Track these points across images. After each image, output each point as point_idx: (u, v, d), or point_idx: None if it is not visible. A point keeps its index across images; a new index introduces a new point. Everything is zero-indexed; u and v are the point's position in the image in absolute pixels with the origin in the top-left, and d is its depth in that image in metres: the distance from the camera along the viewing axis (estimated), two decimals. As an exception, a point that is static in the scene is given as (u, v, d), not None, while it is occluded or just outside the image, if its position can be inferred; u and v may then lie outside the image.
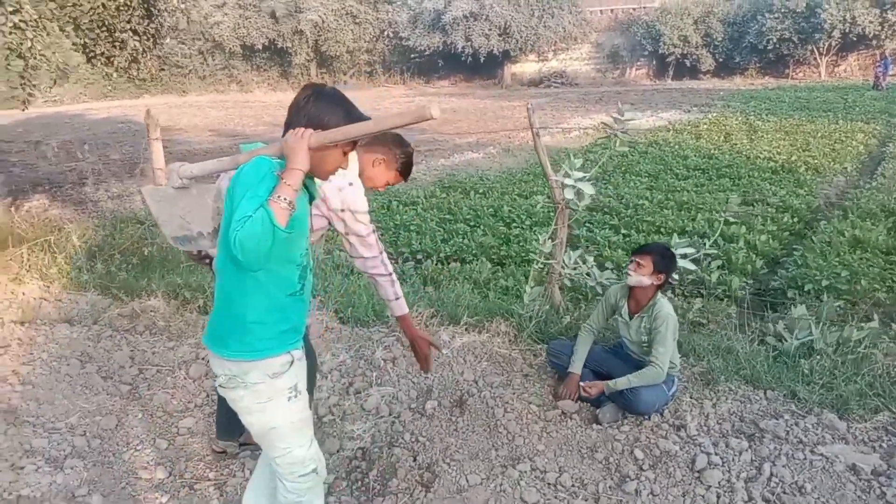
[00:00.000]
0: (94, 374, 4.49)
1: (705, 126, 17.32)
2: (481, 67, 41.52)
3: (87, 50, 7.27)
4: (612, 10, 43.99)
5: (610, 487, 3.34)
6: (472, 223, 8.43)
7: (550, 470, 3.43)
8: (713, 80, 38.82)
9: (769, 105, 22.15)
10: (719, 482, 3.32)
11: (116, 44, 7.33)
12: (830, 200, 9.64)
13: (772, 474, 3.34)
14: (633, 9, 42.58)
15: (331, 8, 40.38)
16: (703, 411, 3.90)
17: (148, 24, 7.72)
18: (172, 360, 4.69)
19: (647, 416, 3.85)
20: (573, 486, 3.34)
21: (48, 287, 5.98)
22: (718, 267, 6.36)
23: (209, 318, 2.30)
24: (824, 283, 5.69)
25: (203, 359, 4.61)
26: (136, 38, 7.48)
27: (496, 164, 13.64)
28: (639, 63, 43.03)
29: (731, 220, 7.65)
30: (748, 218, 8.21)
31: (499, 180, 11.24)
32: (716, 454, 3.51)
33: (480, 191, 10.41)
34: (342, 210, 3.02)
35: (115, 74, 8.58)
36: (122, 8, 7.44)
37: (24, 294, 5.80)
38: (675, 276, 4.38)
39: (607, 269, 6.06)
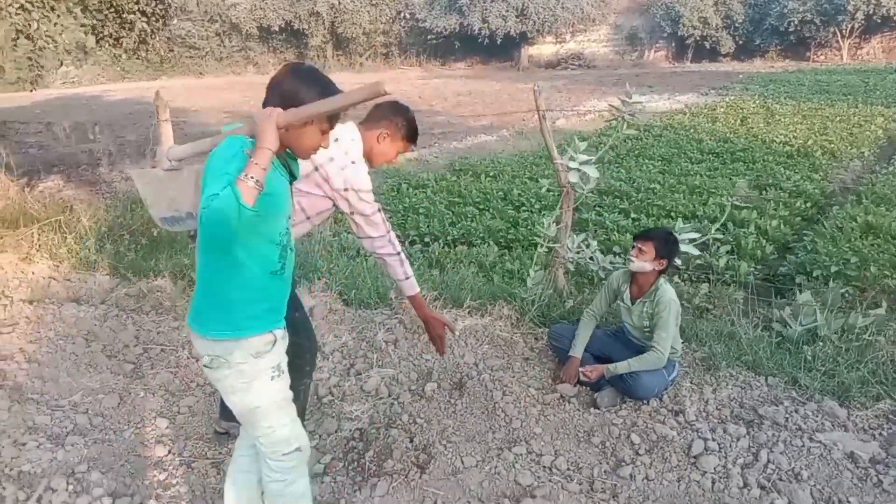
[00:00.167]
0: (99, 352, 4.54)
1: (722, 109, 17.11)
2: (498, 49, 41.18)
3: (96, 31, 7.28)
4: (631, -9, 43.47)
5: (605, 472, 3.34)
6: (481, 206, 8.40)
7: (546, 453, 3.44)
8: (733, 62, 38.27)
9: (788, 88, 21.82)
10: (715, 468, 3.31)
11: (125, 25, 7.33)
12: (845, 185, 9.52)
13: (768, 461, 3.34)
14: (653, -10, 42.05)
15: (347, -11, 40.21)
16: (703, 397, 3.89)
17: (156, 6, 7.72)
18: (177, 340, 4.73)
19: (645, 401, 3.84)
20: (568, 469, 3.35)
21: (58, 266, 6.04)
22: (727, 252, 6.31)
23: (192, 300, 2.31)
24: (833, 269, 5.62)
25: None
26: (144, 19, 7.48)
27: (509, 147, 13.57)
28: (657, 45, 42.53)
29: (743, 205, 7.58)
30: (760, 203, 8.12)
31: (510, 163, 11.18)
32: (713, 440, 3.50)
33: (491, 174, 10.36)
34: (345, 189, 3.01)
35: (123, 56, 8.59)
36: (129, -12, 7.46)
37: (33, 273, 5.87)
38: (678, 261, 4.34)
39: (615, 253, 6.05)
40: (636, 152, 11.86)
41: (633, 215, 7.84)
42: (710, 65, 37.64)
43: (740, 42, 39.18)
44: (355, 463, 3.42)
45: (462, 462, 3.36)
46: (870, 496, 3.12)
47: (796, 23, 36.07)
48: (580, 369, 3.94)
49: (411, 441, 3.51)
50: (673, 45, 41.67)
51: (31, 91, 7.32)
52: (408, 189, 9.39)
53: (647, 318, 3.94)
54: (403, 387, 4.03)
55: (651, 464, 3.36)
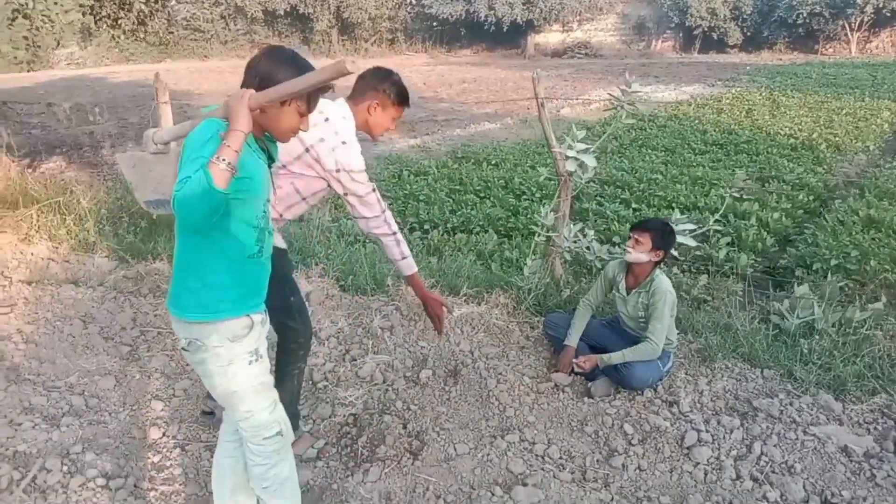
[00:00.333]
0: (96, 334, 4.54)
1: (728, 101, 17.05)
2: (504, 37, 41.00)
3: (94, 12, 7.25)
4: (639, -19, 43.20)
5: (597, 461, 3.34)
6: (481, 194, 8.39)
7: (539, 442, 3.44)
8: (740, 54, 38.11)
9: (795, 81, 21.73)
10: (708, 459, 3.32)
11: (123, 6, 7.30)
12: (849, 179, 9.48)
13: (762, 453, 3.34)
14: (661, -21, 41.78)
15: (354, -26, 40.03)
16: (698, 388, 3.88)
17: (155, -14, 7.71)
18: (173, 323, 4.72)
19: (640, 392, 3.84)
20: (560, 458, 3.35)
21: (57, 248, 6.04)
22: (728, 244, 6.30)
23: (170, 285, 2.31)
24: (833, 262, 5.61)
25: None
26: (143, 0, 7.45)
27: (512, 135, 13.53)
28: (665, 35, 42.33)
29: (745, 197, 7.56)
30: (762, 195, 8.09)
31: (512, 152, 11.15)
32: (706, 431, 3.50)
33: (493, 162, 10.34)
34: (337, 170, 2.98)
35: (122, 36, 8.55)
36: (128, -31, 7.41)
37: (32, 254, 5.87)
38: (675, 252, 4.32)
39: (615, 243, 6.03)
40: (639, 142, 11.83)
41: (633, 205, 7.83)
42: (717, 56, 37.47)
43: (748, 33, 38.99)
44: (348, 448, 3.43)
45: (455, 449, 3.36)
46: (863, 490, 3.12)
47: (805, 15, 35.88)
48: (574, 360, 3.94)
49: (404, 427, 3.52)
50: (680, 35, 41.47)
51: (28, 71, 7.28)
52: (409, 176, 9.37)
53: (642, 308, 3.93)
54: (398, 373, 4.03)
55: (644, 454, 3.36)
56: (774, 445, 3.38)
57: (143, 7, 7.51)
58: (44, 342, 4.41)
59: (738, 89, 19.78)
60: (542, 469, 3.25)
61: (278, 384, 3.28)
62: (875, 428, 3.53)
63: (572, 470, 3.27)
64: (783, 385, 3.89)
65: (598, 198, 8.20)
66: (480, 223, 7.14)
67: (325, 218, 6.78)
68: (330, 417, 3.65)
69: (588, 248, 4.80)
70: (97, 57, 38.18)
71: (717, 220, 5.05)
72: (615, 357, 3.83)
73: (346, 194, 3.07)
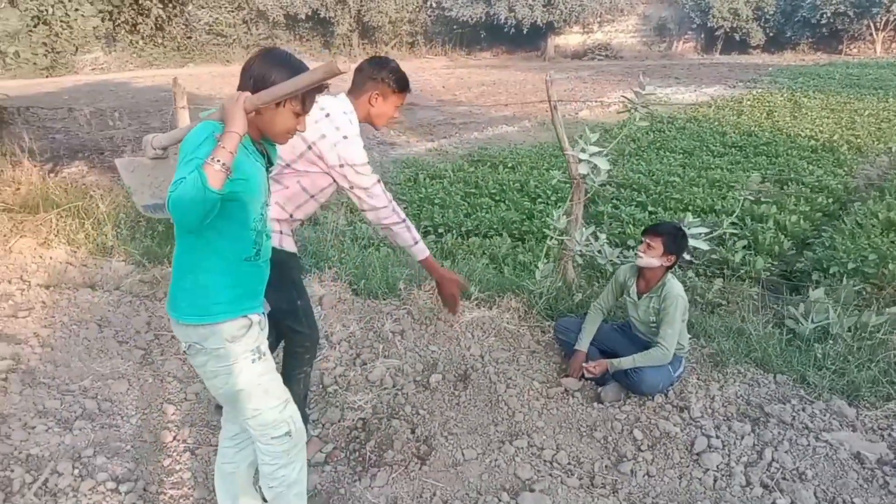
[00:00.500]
0: (111, 338, 4.59)
1: (748, 102, 16.89)
2: (524, 39, 40.91)
3: (112, 17, 7.34)
4: (660, -18, 42.93)
5: (606, 467, 3.33)
6: (496, 198, 8.38)
7: (547, 447, 3.43)
8: (763, 54, 37.71)
9: (818, 82, 21.47)
10: (717, 465, 3.29)
11: (142, 11, 7.38)
12: (870, 181, 9.35)
13: (773, 459, 3.30)
14: (682, -20, 41.49)
15: (374, -23, 40.17)
16: (709, 393, 3.85)
17: (173, -9, 7.78)
18: (187, 326, 4.76)
19: (650, 397, 3.81)
20: (569, 464, 3.33)
21: (75, 252, 6.12)
22: (744, 247, 6.24)
23: (169, 288, 2.32)
24: (850, 265, 5.53)
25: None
26: (161, 5, 7.52)
27: (530, 137, 13.51)
28: (686, 36, 42.01)
29: (762, 199, 7.49)
30: (780, 197, 8.00)
31: (529, 155, 11.13)
32: (717, 437, 3.47)
33: (509, 165, 10.32)
34: (340, 165, 2.99)
35: (140, 41, 8.65)
36: (146, -25, 7.48)
37: (51, 258, 5.95)
38: (688, 256, 4.29)
39: (629, 247, 6.00)
40: (657, 144, 11.75)
41: (650, 208, 7.78)
42: (739, 57, 37.11)
43: (771, 34, 38.57)
44: (356, 453, 3.44)
45: (463, 454, 3.36)
46: (875, 497, 3.08)
47: (829, 15, 35.43)
48: (584, 364, 3.92)
49: (413, 432, 3.52)
50: (702, 36, 41.13)
51: (47, 77, 7.38)
52: (424, 179, 9.38)
53: (653, 313, 3.90)
54: (408, 377, 4.03)
55: (653, 460, 3.34)
56: (786, 452, 3.35)
57: (160, 13, 7.59)
58: (59, 346, 4.47)
59: (760, 90, 19.59)
60: (550, 475, 3.24)
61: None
62: (889, 434, 3.48)
63: (580, 476, 3.26)
64: (796, 390, 3.85)
65: (614, 201, 8.16)
66: (495, 227, 7.13)
67: (339, 222, 6.81)
68: (339, 421, 3.66)
69: (600, 251, 4.77)
70: (121, 62, 38.61)
71: (732, 223, 5.01)
72: (625, 362, 3.81)
73: (351, 188, 3.07)
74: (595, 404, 3.81)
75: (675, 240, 3.80)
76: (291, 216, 3.12)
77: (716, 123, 13.84)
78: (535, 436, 3.50)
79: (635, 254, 3.97)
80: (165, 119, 16.08)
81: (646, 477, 3.24)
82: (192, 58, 40.27)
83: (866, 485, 3.16)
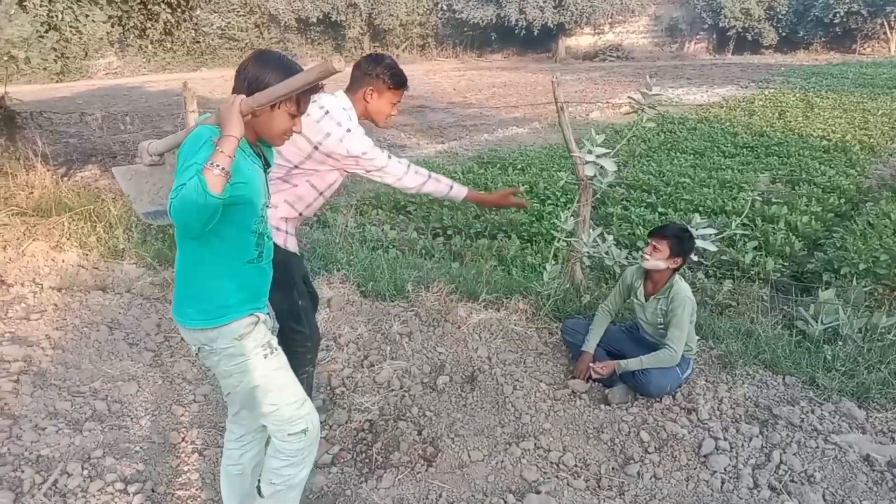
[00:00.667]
0: (121, 340, 4.62)
1: (760, 102, 16.81)
2: (535, 41, 40.90)
3: (122, 22, 7.39)
4: (671, -18, 42.79)
5: (613, 469, 3.32)
6: (506, 199, 8.36)
7: (554, 449, 3.42)
8: (775, 54, 37.49)
9: (830, 81, 21.33)
10: (725, 468, 3.27)
11: (150, 16, 7.43)
12: (883, 181, 9.28)
13: (781, 462, 3.28)
14: (694, -19, 41.33)
15: (385, -20, 40.28)
16: (718, 395, 3.83)
17: (181, -3, 7.83)
18: (197, 328, 4.79)
19: (658, 398, 3.80)
20: (575, 465, 3.33)
21: (87, 255, 6.16)
22: (754, 248, 6.21)
23: (174, 293, 2.33)
24: (861, 266, 5.49)
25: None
26: (169, 10, 7.57)
27: (540, 139, 13.50)
28: (698, 37, 41.85)
29: (773, 200, 7.45)
30: (791, 198, 7.96)
31: (538, 156, 11.13)
32: (724, 439, 3.45)
33: (519, 166, 10.33)
34: (352, 157, 3.04)
35: (149, 46, 8.72)
36: (154, -21, 7.53)
37: (63, 261, 6.00)
38: (695, 257, 4.27)
39: (639, 248, 5.99)
40: (668, 145, 11.72)
41: (660, 209, 7.76)
42: (751, 57, 36.91)
43: (783, 34, 38.35)
44: (363, 454, 3.44)
45: (469, 456, 3.36)
46: (885, 500, 3.06)
47: (842, 14, 35.17)
48: (591, 365, 3.91)
49: (419, 434, 3.52)
50: (714, 36, 40.96)
51: (57, 82, 7.47)
52: (435, 181, 9.38)
53: (661, 315, 3.88)
54: (415, 379, 4.04)
55: (660, 462, 3.33)
56: (794, 454, 3.33)
57: (169, 17, 7.63)
58: (71, 348, 4.50)
59: (772, 91, 19.50)
60: (556, 477, 3.24)
61: None
62: (899, 437, 3.45)
63: (587, 478, 3.25)
64: (805, 392, 3.82)
65: (624, 202, 8.14)
66: (503, 228, 7.13)
67: (349, 224, 6.83)
68: (346, 423, 3.67)
69: (608, 252, 4.76)
70: (134, 66, 38.93)
71: (743, 224, 4.99)
72: (633, 363, 3.80)
73: (368, 172, 3.13)
74: (602, 406, 3.80)
75: (681, 242, 3.78)
76: (301, 214, 3.16)
77: (727, 124, 13.79)
78: (541, 437, 3.50)
79: (641, 256, 3.96)
80: (177, 123, 16.21)
81: (653, 479, 3.23)
82: (205, 62, 40.52)
83: (875, 487, 3.13)
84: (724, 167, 9.92)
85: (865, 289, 4.80)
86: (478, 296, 4.89)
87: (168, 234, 6.63)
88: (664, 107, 15.65)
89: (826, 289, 4.63)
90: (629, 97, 4.77)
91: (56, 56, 6.80)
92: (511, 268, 5.76)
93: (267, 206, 2.33)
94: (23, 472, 3.22)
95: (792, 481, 3.16)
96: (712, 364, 4.15)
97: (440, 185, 3.31)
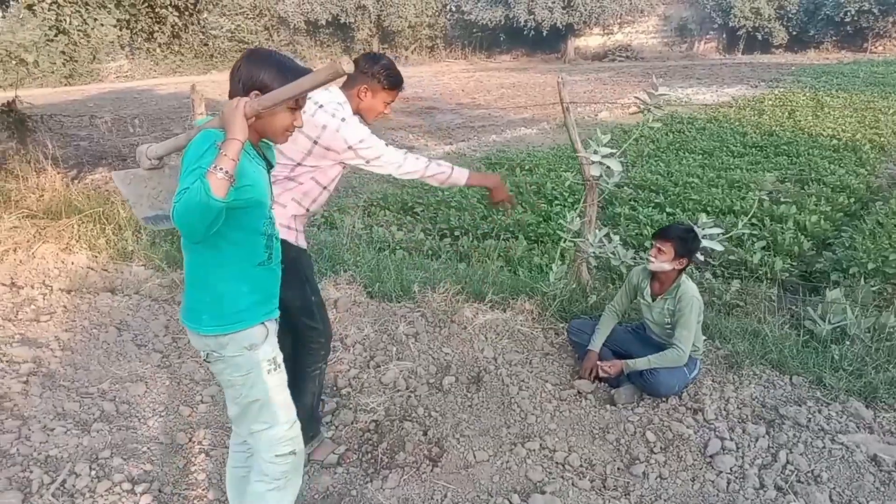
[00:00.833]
0: (130, 341, 4.65)
1: (770, 102, 16.75)
2: (544, 41, 40.88)
3: (129, 25, 7.43)
4: (680, -18, 42.68)
5: (618, 469, 3.31)
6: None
7: (559, 449, 3.42)
8: (786, 54, 37.32)
9: (841, 80, 21.22)
10: (731, 468, 3.26)
11: (158, 19, 7.47)
12: (893, 180, 9.22)
13: (787, 462, 3.27)
14: (703, -20, 41.20)
15: (394, -18, 40.38)
16: (724, 395, 3.82)
17: (188, 0, 7.84)
18: (204, 329, 4.81)
19: (664, 399, 3.79)
20: (581, 466, 3.32)
21: (96, 257, 6.20)
22: (763, 248, 6.19)
23: (183, 297, 2.32)
24: (870, 266, 5.46)
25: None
26: (177, 13, 7.60)
27: (548, 139, 13.50)
28: (708, 36, 41.73)
29: (782, 199, 7.42)
30: (800, 197, 7.92)
31: (546, 157, 11.13)
32: (730, 439, 3.44)
33: (527, 167, 10.32)
34: (349, 148, 3.02)
35: (157, 50, 8.76)
36: (161, -17, 7.57)
37: (73, 263, 6.04)
38: (701, 257, 4.26)
39: (647, 248, 5.97)
40: (677, 145, 11.70)
41: (668, 210, 7.73)
42: (761, 56, 36.75)
43: (794, 33, 38.17)
44: (369, 454, 3.45)
45: (474, 456, 3.36)
46: (892, 501, 3.04)
47: (853, 13, 34.97)
48: (599, 364, 3.91)
49: (425, 434, 3.53)
50: (724, 36, 40.83)
51: (66, 85, 7.53)
52: (442, 182, 9.38)
53: (668, 315, 3.88)
54: (421, 380, 4.04)
55: (665, 462, 3.32)
56: (801, 454, 3.31)
57: (176, 20, 7.67)
58: (79, 349, 4.54)
59: (782, 90, 19.42)
60: (562, 477, 3.23)
61: (299, 385, 3.33)
62: (907, 437, 3.43)
63: (592, 478, 3.24)
64: (812, 392, 3.81)
65: (632, 202, 8.12)
66: (511, 229, 7.13)
67: (357, 226, 6.85)
68: (352, 424, 3.68)
69: (614, 252, 4.76)
70: (145, 69, 39.14)
71: (752, 224, 4.97)
72: (640, 363, 3.79)
73: (367, 162, 3.11)
74: (608, 406, 3.80)
75: (685, 243, 3.77)
76: (308, 209, 3.17)
77: (736, 124, 13.74)
78: (547, 438, 3.50)
79: (646, 258, 3.95)
80: (186, 125, 16.29)
81: (658, 479, 3.22)
82: (215, 65, 40.70)
83: (883, 488, 3.12)
84: (732, 167, 9.89)
85: (874, 288, 4.77)
86: (484, 296, 4.89)
87: (177, 235, 6.65)
88: (673, 107, 15.64)
89: (833, 289, 4.61)
90: (635, 97, 4.76)
91: (65, 60, 6.84)
92: (518, 268, 5.76)
93: (273, 207, 2.32)
94: (31, 472, 3.25)
95: (798, 481, 3.15)
96: (719, 364, 4.13)
97: (442, 168, 3.26)
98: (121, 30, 7.44)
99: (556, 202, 8.21)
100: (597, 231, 4.83)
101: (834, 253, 6.22)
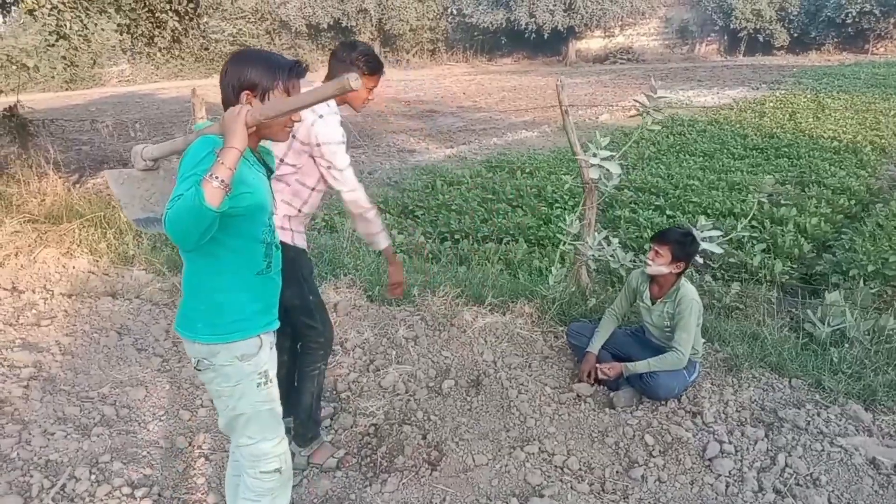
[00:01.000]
0: (130, 346, 4.66)
1: (771, 104, 16.74)
2: (545, 44, 40.92)
3: (130, 30, 7.45)
4: (681, -16, 42.70)
5: (617, 472, 3.31)
6: (514, 203, 8.39)
7: (558, 453, 3.42)
8: (787, 55, 37.33)
9: (842, 82, 21.22)
10: (730, 471, 3.26)
11: (158, 24, 7.49)
12: (894, 182, 9.21)
13: (786, 465, 3.27)
14: (704, -18, 41.22)
15: (395, -15, 40.46)
16: (723, 398, 3.82)
17: (188, 4, 7.86)
18: (205, 334, 4.83)
19: (663, 402, 3.79)
20: (580, 469, 3.32)
21: (97, 261, 6.22)
22: (763, 251, 6.18)
23: (179, 305, 2.29)
24: (870, 268, 5.46)
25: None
26: (177, 18, 7.62)
27: (549, 142, 13.50)
28: (709, 38, 41.74)
29: (782, 202, 7.42)
30: (800, 199, 7.92)
31: (547, 160, 11.14)
32: (729, 442, 3.44)
33: (527, 170, 10.33)
34: (317, 144, 3.00)
35: (158, 54, 8.79)
36: (162, -12, 7.59)
37: (74, 267, 6.06)
38: (700, 259, 4.26)
39: (646, 251, 5.98)
40: (677, 148, 11.70)
41: (668, 212, 7.74)
42: (763, 58, 36.77)
43: (795, 35, 38.19)
44: (368, 458, 3.46)
45: (473, 460, 3.36)
46: None
47: (854, 14, 34.99)
48: (598, 365, 3.91)
49: (424, 438, 3.53)
50: (725, 38, 40.83)
51: (67, 90, 7.56)
52: (442, 186, 9.42)
53: (667, 318, 3.88)
54: (421, 383, 4.05)
55: (664, 465, 3.32)
56: (800, 457, 3.31)
57: (177, 25, 7.68)
58: (80, 353, 4.55)
59: (783, 92, 19.42)
60: (561, 480, 3.24)
61: (298, 385, 3.34)
62: (906, 439, 3.43)
63: (591, 482, 3.24)
64: (811, 395, 3.81)
65: (632, 205, 8.13)
66: (511, 232, 7.14)
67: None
68: (351, 427, 3.69)
69: (613, 255, 4.76)
70: (146, 74, 39.24)
71: (751, 226, 4.97)
72: (640, 366, 3.79)
73: (328, 168, 3.05)
74: (607, 410, 3.80)
75: (683, 246, 3.76)
76: (300, 211, 3.15)
77: (737, 126, 13.74)
78: (546, 441, 3.49)
79: (644, 262, 3.96)
80: (187, 130, 16.31)
81: (657, 483, 3.22)
82: (217, 68, 40.64)
83: (882, 491, 3.11)
84: (733, 169, 9.90)
85: (873, 290, 4.77)
86: (484, 299, 4.90)
87: (177, 240, 6.67)
88: (674, 109, 15.65)
89: (832, 291, 4.62)
90: (634, 100, 4.77)
91: (66, 64, 6.86)
92: (518, 271, 5.76)
93: (273, 215, 2.28)
94: (31, 476, 3.26)
95: (797, 485, 3.14)
96: (718, 367, 4.13)
97: (378, 222, 3.24)
98: (121, 35, 7.46)
99: (557, 205, 8.22)
100: (596, 234, 4.84)
101: (834, 255, 6.22)
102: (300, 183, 3.09)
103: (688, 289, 3.85)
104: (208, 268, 2.14)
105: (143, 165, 2.26)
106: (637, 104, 4.70)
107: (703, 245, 4.07)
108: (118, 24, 7.13)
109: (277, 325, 2.37)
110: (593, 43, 42.75)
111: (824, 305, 4.38)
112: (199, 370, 2.25)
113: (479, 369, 4.14)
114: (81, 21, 6.17)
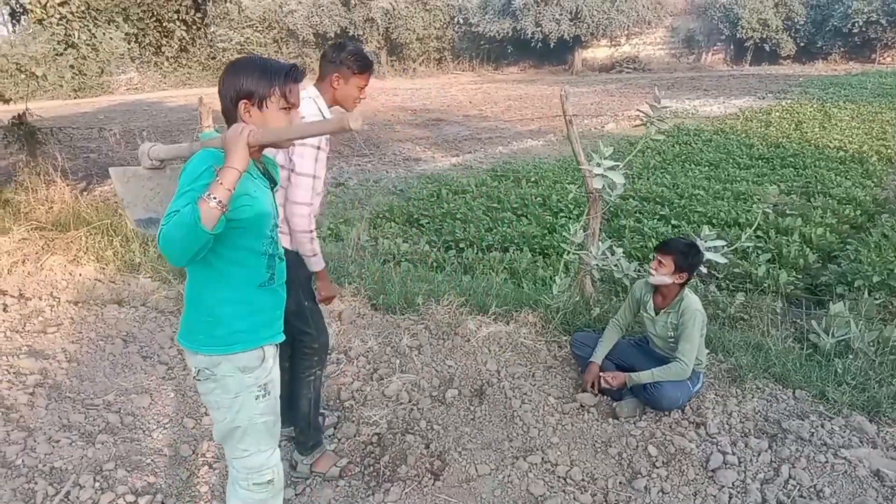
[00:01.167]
0: (136, 353, 4.68)
1: (777, 113, 16.73)
2: (551, 53, 41.02)
3: (138, 39, 7.51)
4: (688, -7, 42.77)
5: (620, 483, 3.30)
6: (518, 212, 8.40)
7: (561, 463, 3.42)
8: (794, 65, 37.31)
9: (849, 92, 21.19)
10: (733, 483, 3.25)
11: (166, 34, 7.54)
12: (901, 192, 9.20)
13: (790, 476, 3.26)
14: (711, -9, 41.28)
15: (402, -5, 40.62)
16: (727, 409, 3.81)
17: (195, 14, 7.90)
18: (209, 342, 4.84)
19: (667, 413, 3.78)
20: (582, 480, 3.32)
21: (103, 269, 6.25)
22: (768, 261, 6.18)
23: (182, 317, 2.28)
24: (875, 278, 5.44)
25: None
26: (184, 27, 7.68)
27: (555, 151, 13.52)
28: (715, 48, 41.75)
29: (788, 212, 7.41)
30: (806, 210, 7.90)
31: (552, 169, 11.15)
32: (732, 454, 3.43)
33: (532, 179, 10.35)
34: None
35: (165, 63, 8.84)
36: (170, -3, 7.65)
37: (80, 275, 6.09)
38: (704, 269, 4.26)
39: (650, 260, 5.98)
40: (683, 157, 11.70)
41: (673, 222, 7.73)
42: (769, 68, 36.75)
43: (801, 44, 38.17)
44: (371, 467, 3.46)
45: (476, 470, 3.36)
46: (895, 516, 3.03)
47: (861, 24, 34.94)
48: (602, 374, 3.91)
49: (427, 447, 3.53)
50: (731, 47, 40.86)
51: (75, 98, 7.62)
52: (447, 194, 9.44)
53: (671, 328, 3.87)
54: (424, 393, 4.05)
55: (667, 477, 3.31)
56: (803, 469, 3.30)
57: (184, 34, 7.74)
58: (86, 361, 4.57)
59: (789, 102, 19.40)
60: (563, 491, 3.23)
61: (294, 390, 3.34)
62: (911, 452, 3.42)
63: (594, 492, 3.24)
64: (815, 406, 3.80)
65: (637, 214, 8.13)
66: (516, 241, 7.15)
67: (362, 238, 6.88)
68: (354, 436, 3.69)
69: (617, 265, 4.76)
70: (154, 82, 39.46)
71: (757, 237, 4.96)
72: (644, 376, 3.79)
73: (292, 171, 3.00)
74: (610, 420, 3.80)
75: (686, 257, 3.77)
76: None
77: (743, 135, 13.74)
78: (549, 451, 3.49)
79: (647, 272, 3.96)
80: (194, 138, 16.39)
81: (660, 494, 3.21)
82: (224, 77, 40.96)
83: (886, 503, 3.10)
84: (738, 179, 9.89)
85: (878, 301, 4.76)
86: (488, 309, 4.90)
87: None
88: (679, 118, 15.65)
89: (837, 302, 4.61)
90: (637, 110, 4.78)
91: (74, 73, 6.92)
92: (522, 281, 5.77)
93: (276, 227, 2.26)
94: (36, 483, 3.27)
95: (801, 496, 3.13)
96: (722, 378, 4.13)
97: (315, 245, 3.13)
98: (129, 44, 7.51)
99: (561, 214, 8.22)
100: (600, 243, 4.84)
101: (839, 266, 6.20)
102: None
103: (691, 299, 3.85)
104: (209, 279, 2.14)
105: (149, 164, 2.25)
106: (641, 114, 4.71)
107: (708, 255, 4.06)
108: (126, 34, 7.18)
109: (282, 337, 2.36)
110: (599, 52, 42.82)
111: (829, 316, 4.37)
112: (199, 380, 2.24)
113: (483, 379, 4.14)
114: (90, 30, 6.23)
